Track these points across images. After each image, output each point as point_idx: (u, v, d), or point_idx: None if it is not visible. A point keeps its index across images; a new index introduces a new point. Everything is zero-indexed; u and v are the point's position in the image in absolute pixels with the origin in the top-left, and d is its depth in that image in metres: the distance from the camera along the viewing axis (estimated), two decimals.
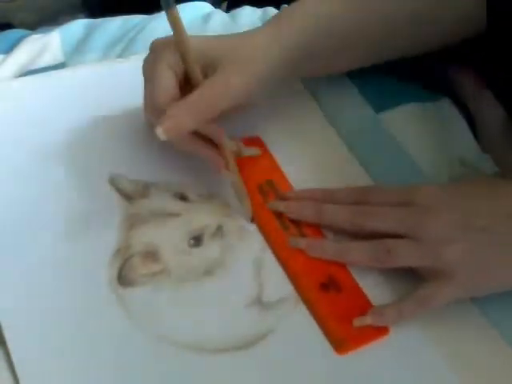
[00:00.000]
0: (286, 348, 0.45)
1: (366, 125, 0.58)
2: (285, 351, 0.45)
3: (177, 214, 0.50)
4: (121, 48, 0.64)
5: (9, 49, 0.63)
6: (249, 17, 0.69)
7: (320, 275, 0.48)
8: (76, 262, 0.48)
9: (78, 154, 0.54)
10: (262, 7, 0.71)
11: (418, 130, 0.59)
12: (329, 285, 0.47)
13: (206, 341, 0.45)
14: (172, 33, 0.48)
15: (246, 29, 0.66)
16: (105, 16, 0.68)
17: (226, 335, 0.45)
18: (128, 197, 0.52)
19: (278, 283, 0.48)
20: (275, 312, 0.47)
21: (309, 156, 0.57)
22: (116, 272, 0.47)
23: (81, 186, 0.52)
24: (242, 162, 0.53)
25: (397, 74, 0.62)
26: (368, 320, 0.45)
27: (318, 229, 0.50)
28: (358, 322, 0.45)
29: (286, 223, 0.51)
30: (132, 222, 0.50)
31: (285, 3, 0.70)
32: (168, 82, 0.49)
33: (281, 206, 0.51)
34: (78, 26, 0.66)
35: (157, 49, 0.50)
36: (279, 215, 0.51)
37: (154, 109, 0.49)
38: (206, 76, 0.49)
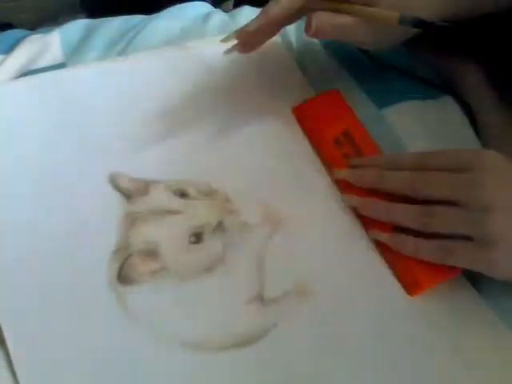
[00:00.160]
0: (288, 344, 0.45)
1: (368, 120, 0.58)
2: (287, 347, 0.45)
3: (177, 212, 0.50)
4: (121, 48, 0.64)
5: (9, 49, 0.63)
6: (249, 17, 0.68)
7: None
8: (75, 260, 0.48)
9: (77, 152, 0.54)
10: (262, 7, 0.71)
11: (418, 127, 0.59)
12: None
13: (206, 339, 0.45)
14: None
15: None
16: (105, 16, 0.68)
17: (228, 333, 0.46)
18: (128, 195, 0.52)
19: (279, 278, 0.48)
20: (277, 307, 0.47)
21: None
22: (116, 271, 0.47)
23: (80, 185, 0.52)
24: (318, 113, 0.57)
25: (398, 71, 0.62)
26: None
27: None
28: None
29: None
30: (132, 221, 0.50)
31: None
32: None
33: (344, 174, 0.53)
34: (77, 25, 0.66)
35: None
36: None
37: None
38: None
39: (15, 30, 0.67)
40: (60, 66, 0.62)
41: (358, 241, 0.51)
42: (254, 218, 0.52)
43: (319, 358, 0.45)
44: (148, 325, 0.45)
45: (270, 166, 0.55)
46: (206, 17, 0.68)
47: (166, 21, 0.67)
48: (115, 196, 0.52)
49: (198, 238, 0.49)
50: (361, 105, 0.60)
